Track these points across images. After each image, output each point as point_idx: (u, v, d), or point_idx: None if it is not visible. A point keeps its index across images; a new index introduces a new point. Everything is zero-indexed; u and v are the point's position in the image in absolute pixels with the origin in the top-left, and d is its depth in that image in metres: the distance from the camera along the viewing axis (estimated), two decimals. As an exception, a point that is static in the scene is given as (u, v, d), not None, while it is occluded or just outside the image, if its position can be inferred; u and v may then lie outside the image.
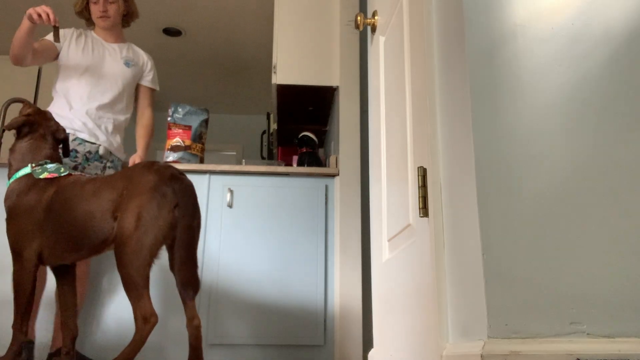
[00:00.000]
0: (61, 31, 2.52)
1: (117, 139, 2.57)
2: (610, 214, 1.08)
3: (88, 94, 2.49)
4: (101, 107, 2.51)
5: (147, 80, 2.72)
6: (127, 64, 2.61)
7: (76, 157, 2.39)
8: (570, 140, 1.12)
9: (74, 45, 2.54)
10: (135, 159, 2.60)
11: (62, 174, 1.95)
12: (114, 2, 2.58)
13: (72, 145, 2.39)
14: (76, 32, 2.59)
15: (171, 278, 2.54)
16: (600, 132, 1.13)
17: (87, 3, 2.60)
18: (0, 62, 4.97)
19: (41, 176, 1.93)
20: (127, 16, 2.71)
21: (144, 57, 2.72)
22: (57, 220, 1.82)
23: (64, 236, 1.80)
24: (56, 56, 2.53)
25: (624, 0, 1.20)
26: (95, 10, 2.58)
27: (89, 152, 2.43)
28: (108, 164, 2.51)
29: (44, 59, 2.49)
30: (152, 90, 2.74)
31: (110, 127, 2.52)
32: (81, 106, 2.47)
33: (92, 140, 2.45)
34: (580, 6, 1.20)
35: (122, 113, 2.59)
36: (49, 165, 1.98)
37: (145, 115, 2.70)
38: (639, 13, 1.19)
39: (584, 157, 1.11)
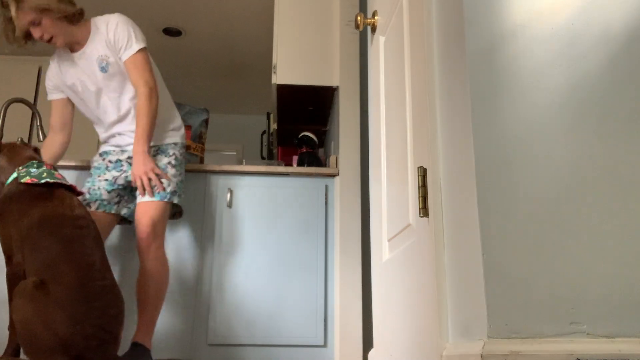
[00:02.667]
0: (48, 87, 2.41)
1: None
2: (610, 214, 1.08)
3: (97, 124, 2.43)
4: (112, 124, 2.37)
5: (123, 54, 2.26)
6: (102, 69, 2.28)
7: (122, 166, 2.37)
8: (570, 140, 1.12)
9: (64, 90, 2.40)
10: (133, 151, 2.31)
11: (41, 181, 1.90)
12: (38, 23, 2.17)
13: (118, 157, 2.38)
14: (52, 75, 2.37)
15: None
16: (600, 131, 1.13)
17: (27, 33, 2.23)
18: (0, 62, 4.97)
19: (23, 180, 1.90)
20: (69, 16, 2.24)
21: (107, 34, 2.26)
22: (35, 247, 1.79)
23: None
24: (71, 105, 2.44)
25: (624, 1, 1.20)
26: (37, 38, 2.23)
27: (129, 157, 2.37)
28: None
29: (70, 115, 2.45)
30: (133, 60, 2.25)
31: (131, 128, 2.36)
32: (101, 136, 2.44)
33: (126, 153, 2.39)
34: (580, 6, 1.20)
35: (131, 104, 2.33)
36: (32, 170, 1.95)
37: (137, 94, 2.25)
38: (638, 13, 1.19)
39: (584, 156, 1.11)
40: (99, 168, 2.39)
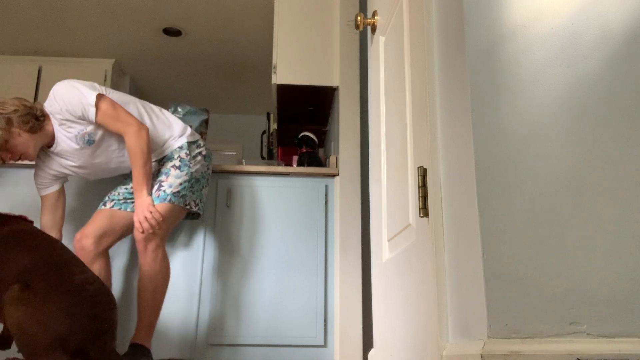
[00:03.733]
0: (39, 185, 2.30)
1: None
2: (611, 214, 1.08)
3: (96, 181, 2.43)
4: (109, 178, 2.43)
5: (91, 117, 2.13)
6: (89, 142, 2.19)
7: None
8: (570, 140, 1.12)
9: (58, 180, 2.33)
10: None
11: None
12: (5, 150, 2.07)
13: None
14: (39, 174, 2.29)
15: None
16: (600, 131, 1.13)
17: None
18: (0, 62, 4.97)
19: None
20: (30, 130, 2.09)
21: (62, 113, 2.13)
22: None
23: None
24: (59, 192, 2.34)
25: (624, 1, 1.20)
26: (8, 160, 2.14)
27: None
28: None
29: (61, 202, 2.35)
30: (101, 116, 2.12)
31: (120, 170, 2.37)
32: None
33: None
34: (580, 6, 1.20)
35: (120, 157, 2.30)
36: None
37: (125, 140, 2.17)
38: (638, 13, 1.19)
39: (584, 156, 1.11)
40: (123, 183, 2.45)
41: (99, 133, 2.19)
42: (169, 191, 2.24)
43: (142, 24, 4.53)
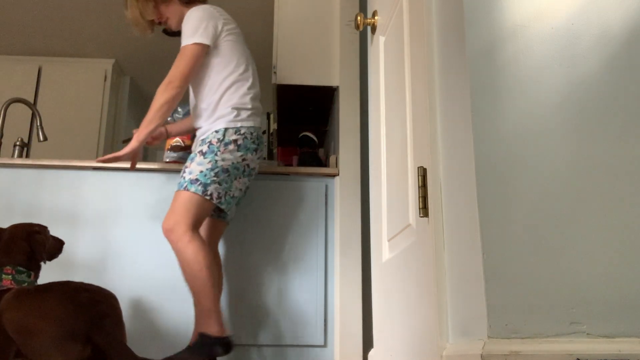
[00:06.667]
0: None
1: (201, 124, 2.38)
2: (611, 213, 1.08)
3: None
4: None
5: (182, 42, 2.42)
6: None
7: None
8: (570, 140, 1.12)
9: None
10: None
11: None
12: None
13: None
14: None
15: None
16: (600, 132, 1.13)
17: None
18: (0, 62, 4.97)
19: None
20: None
21: (183, 23, 2.46)
22: None
23: None
24: None
25: (624, 1, 1.20)
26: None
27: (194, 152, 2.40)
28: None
29: None
30: (181, 50, 2.43)
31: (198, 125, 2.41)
32: None
33: None
34: (580, 6, 1.20)
35: (196, 100, 2.41)
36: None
37: None
38: (638, 13, 1.19)
39: (584, 156, 1.11)
40: None
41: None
42: (187, 178, 2.18)
43: (142, 24, 4.52)
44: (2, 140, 3.01)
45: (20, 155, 3.05)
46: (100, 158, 2.31)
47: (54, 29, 4.57)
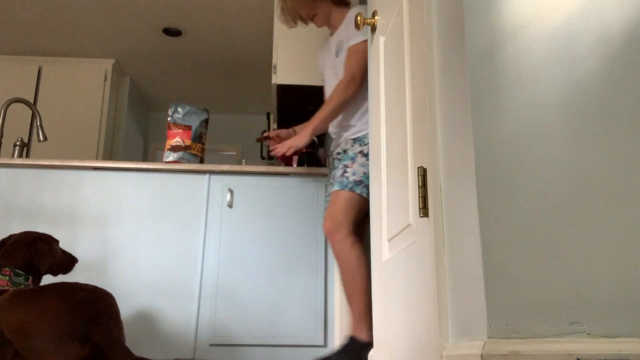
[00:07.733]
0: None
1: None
2: (611, 213, 1.08)
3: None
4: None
5: (351, 40, 2.35)
6: (336, 53, 2.39)
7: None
8: (570, 140, 1.12)
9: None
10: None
11: None
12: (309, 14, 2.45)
13: None
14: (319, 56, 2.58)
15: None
16: (600, 131, 1.13)
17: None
18: (0, 62, 4.97)
19: None
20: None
21: (348, 23, 2.37)
22: None
23: None
24: None
25: (624, 1, 1.20)
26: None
27: (338, 152, 2.42)
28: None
29: None
30: (355, 48, 2.31)
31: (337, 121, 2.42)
32: None
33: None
34: (580, 6, 1.20)
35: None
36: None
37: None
38: (637, 13, 1.19)
39: (584, 156, 1.11)
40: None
41: (342, 57, 2.33)
42: (351, 179, 2.18)
43: (142, 24, 4.53)
44: (2, 140, 3.02)
45: (20, 155, 3.05)
46: (279, 149, 2.29)
47: (54, 29, 4.57)
